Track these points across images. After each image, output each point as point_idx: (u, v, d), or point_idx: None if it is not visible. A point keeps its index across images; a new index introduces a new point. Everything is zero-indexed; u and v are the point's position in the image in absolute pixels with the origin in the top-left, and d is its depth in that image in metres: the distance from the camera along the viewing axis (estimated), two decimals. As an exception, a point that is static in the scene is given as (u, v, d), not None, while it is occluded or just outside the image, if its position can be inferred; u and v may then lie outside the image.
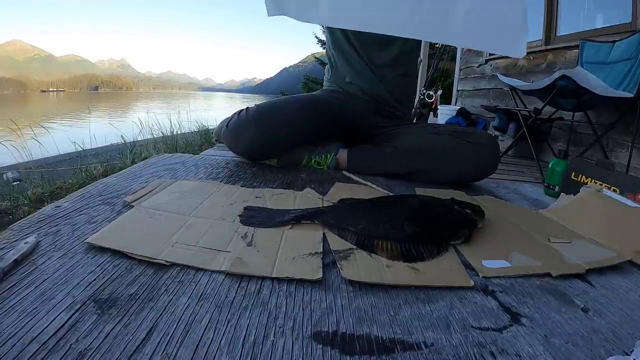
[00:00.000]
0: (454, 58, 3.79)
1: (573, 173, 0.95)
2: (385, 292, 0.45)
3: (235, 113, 1.02)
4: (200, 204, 0.65)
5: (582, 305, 0.46)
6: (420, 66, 3.00)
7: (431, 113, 3.20)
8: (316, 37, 9.02)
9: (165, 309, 0.38)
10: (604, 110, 1.97)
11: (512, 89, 2.18)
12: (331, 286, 0.45)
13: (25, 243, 0.46)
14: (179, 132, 3.55)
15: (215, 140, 1.39)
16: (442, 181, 0.96)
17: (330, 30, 1.17)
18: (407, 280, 0.47)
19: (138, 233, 0.53)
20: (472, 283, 0.48)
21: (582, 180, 0.92)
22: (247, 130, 0.96)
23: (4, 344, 0.31)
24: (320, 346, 0.35)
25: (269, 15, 0.76)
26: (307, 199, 0.74)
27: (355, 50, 1.12)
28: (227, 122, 1.01)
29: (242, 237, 0.54)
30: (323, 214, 0.62)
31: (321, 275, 0.46)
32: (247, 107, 1.00)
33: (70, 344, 0.32)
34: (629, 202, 0.75)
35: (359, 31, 1.01)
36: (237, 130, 0.98)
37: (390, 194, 0.82)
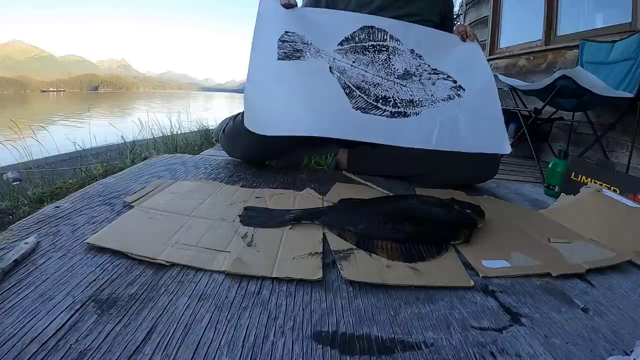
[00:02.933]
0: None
1: (573, 173, 0.95)
2: (385, 292, 0.45)
3: (231, 118, 1.00)
4: (200, 204, 0.65)
5: (582, 305, 0.46)
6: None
7: (431, 113, 3.18)
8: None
9: (165, 309, 0.38)
10: (604, 110, 1.97)
11: (512, 89, 2.18)
12: (331, 286, 0.45)
13: (25, 243, 0.46)
14: (179, 132, 3.54)
15: (215, 140, 1.39)
16: (442, 184, 0.95)
17: None
18: (407, 281, 0.47)
19: (138, 233, 0.53)
20: (472, 283, 0.48)
21: (582, 180, 0.92)
22: (243, 136, 0.95)
23: (4, 344, 0.31)
24: (320, 346, 0.35)
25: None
26: (307, 199, 0.74)
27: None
28: (224, 127, 1.00)
29: (242, 237, 0.54)
30: (323, 214, 0.62)
31: (321, 276, 0.46)
32: (244, 111, 0.99)
33: (71, 344, 0.32)
34: (629, 202, 0.75)
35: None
36: (233, 135, 0.97)
37: (390, 194, 0.82)
